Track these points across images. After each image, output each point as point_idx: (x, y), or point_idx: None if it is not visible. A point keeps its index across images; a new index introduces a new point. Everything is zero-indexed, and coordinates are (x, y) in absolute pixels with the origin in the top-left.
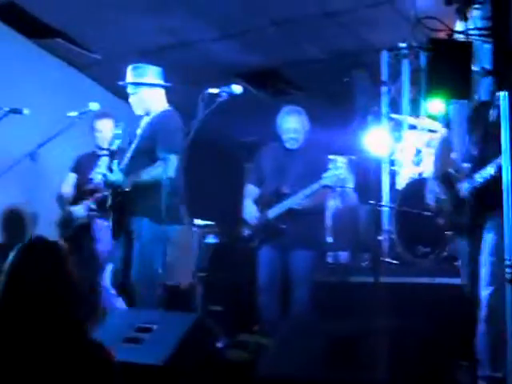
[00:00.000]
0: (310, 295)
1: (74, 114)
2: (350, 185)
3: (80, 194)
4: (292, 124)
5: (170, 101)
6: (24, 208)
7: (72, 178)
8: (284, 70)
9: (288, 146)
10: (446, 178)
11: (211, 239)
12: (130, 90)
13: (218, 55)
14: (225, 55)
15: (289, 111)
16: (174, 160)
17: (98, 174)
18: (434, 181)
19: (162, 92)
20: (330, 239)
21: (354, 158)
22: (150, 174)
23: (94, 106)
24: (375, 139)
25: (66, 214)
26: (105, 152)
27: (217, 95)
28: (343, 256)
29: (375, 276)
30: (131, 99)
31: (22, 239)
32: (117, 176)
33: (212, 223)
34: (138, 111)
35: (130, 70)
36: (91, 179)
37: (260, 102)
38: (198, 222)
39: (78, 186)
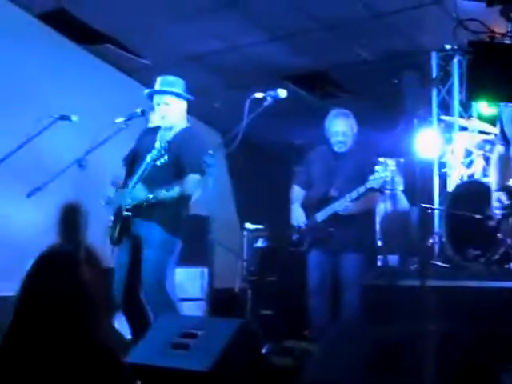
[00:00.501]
0: (359, 298)
1: (120, 119)
2: (400, 187)
3: None
4: (340, 127)
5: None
6: (79, 205)
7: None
8: (332, 73)
9: (336, 149)
10: (507, 191)
11: (261, 243)
12: (157, 99)
13: (267, 58)
14: (273, 58)
15: (336, 114)
16: (197, 178)
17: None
18: (497, 192)
19: (185, 106)
20: (379, 242)
21: (403, 161)
22: (173, 192)
23: (140, 112)
24: (425, 141)
25: None
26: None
27: (262, 99)
28: (393, 259)
29: (422, 279)
30: (162, 109)
31: (77, 236)
32: (141, 193)
33: (262, 227)
34: (164, 123)
35: (159, 80)
36: None
37: (309, 105)
38: (248, 225)
39: None
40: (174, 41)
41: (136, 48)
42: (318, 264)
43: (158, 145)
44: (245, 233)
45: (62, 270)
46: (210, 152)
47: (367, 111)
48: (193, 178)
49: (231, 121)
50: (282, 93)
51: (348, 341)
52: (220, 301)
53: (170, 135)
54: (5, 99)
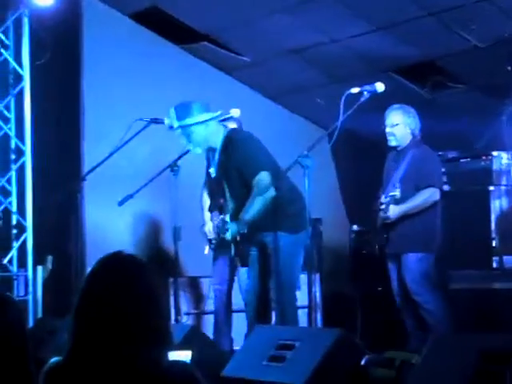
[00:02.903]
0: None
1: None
2: None
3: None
4: (388, 120)
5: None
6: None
7: None
8: (442, 62)
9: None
10: None
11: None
12: (178, 131)
13: (370, 50)
14: (377, 49)
15: (390, 108)
16: (265, 176)
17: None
18: None
19: (211, 124)
20: (494, 242)
21: None
22: (255, 206)
23: (235, 112)
24: None
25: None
26: None
27: (359, 94)
28: (510, 260)
29: None
30: (184, 142)
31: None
32: (231, 229)
33: (366, 229)
34: (197, 150)
35: (171, 113)
36: None
37: (417, 98)
38: (354, 227)
39: None
40: (272, 35)
41: (234, 45)
42: (390, 269)
43: (212, 170)
44: (352, 236)
45: (130, 273)
46: (305, 153)
47: (480, 101)
48: (258, 180)
49: (335, 117)
50: (380, 87)
51: (450, 351)
52: (328, 308)
53: (219, 154)
54: (97, 102)
